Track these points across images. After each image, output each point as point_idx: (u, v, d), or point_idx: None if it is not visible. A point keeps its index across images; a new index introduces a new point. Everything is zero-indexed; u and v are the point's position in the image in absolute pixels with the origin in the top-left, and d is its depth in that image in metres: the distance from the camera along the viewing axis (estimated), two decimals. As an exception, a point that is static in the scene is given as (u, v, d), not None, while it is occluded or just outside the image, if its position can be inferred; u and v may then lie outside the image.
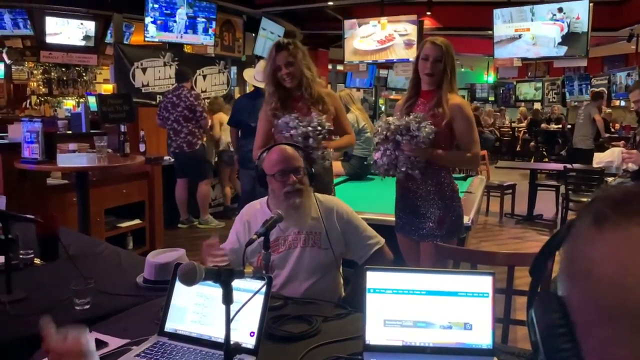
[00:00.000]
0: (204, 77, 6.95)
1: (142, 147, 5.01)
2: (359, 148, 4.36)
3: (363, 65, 7.42)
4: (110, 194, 4.22)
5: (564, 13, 5.95)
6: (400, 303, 1.37)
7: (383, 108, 15.28)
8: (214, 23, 7.18)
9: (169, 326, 1.42)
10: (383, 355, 1.34)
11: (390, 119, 2.34)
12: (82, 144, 4.48)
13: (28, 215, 1.95)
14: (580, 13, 5.86)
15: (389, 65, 9.09)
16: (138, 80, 6.15)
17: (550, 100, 13.32)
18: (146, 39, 6.68)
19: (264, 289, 1.32)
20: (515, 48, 6.40)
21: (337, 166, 4.06)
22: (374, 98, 14.75)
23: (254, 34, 8.45)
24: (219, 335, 1.32)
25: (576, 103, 11.82)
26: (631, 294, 0.45)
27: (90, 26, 8.76)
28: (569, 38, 5.97)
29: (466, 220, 2.64)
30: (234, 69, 8.56)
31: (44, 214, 2.11)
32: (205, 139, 5.76)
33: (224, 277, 1.09)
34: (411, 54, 6.57)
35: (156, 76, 6.30)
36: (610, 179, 4.73)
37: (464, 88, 16.67)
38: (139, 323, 1.51)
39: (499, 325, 1.81)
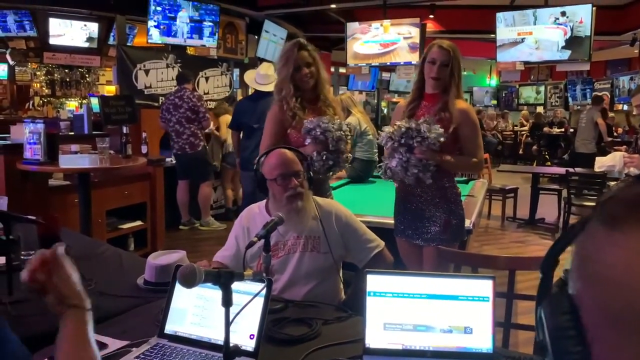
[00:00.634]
0: (207, 79, 6.96)
1: (144, 149, 5.02)
2: (361, 151, 4.36)
3: (365, 68, 7.42)
4: (112, 195, 4.22)
5: (567, 17, 5.95)
6: (400, 306, 1.36)
7: (385, 111, 15.28)
8: (217, 26, 7.21)
9: (169, 328, 1.41)
10: (383, 358, 1.33)
11: (399, 122, 2.32)
12: (84, 145, 4.49)
13: (29, 216, 1.96)
14: (583, 17, 5.85)
15: (391, 68, 9.08)
16: (141, 82, 6.16)
17: (553, 104, 13.31)
18: (149, 41, 6.70)
19: (264, 292, 1.32)
20: (517, 52, 6.39)
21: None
22: (376, 101, 14.74)
23: (256, 37, 8.47)
24: (218, 337, 1.32)
25: (579, 107, 11.80)
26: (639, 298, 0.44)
27: (93, 28, 8.79)
28: (572, 42, 5.96)
29: (468, 223, 2.63)
30: (236, 71, 8.58)
31: (46, 215, 2.11)
32: (206, 142, 5.76)
33: (223, 280, 1.09)
34: (415, 58, 6.57)
35: (159, 78, 6.31)
36: (612, 184, 4.72)
37: (466, 92, 16.67)
38: (139, 325, 1.51)
39: (500, 329, 1.80)
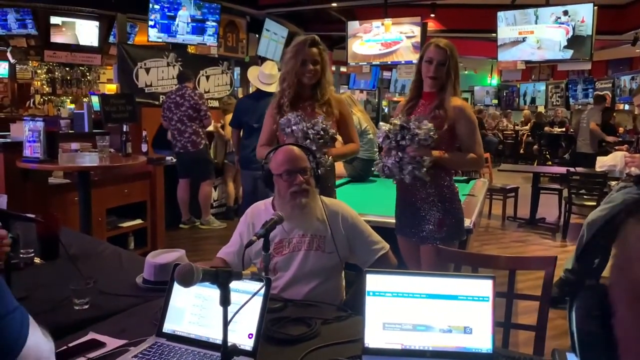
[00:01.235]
0: (207, 77, 6.96)
1: (144, 147, 5.01)
2: (361, 150, 4.32)
3: (366, 67, 7.41)
4: (112, 193, 4.22)
5: (569, 16, 5.94)
6: (399, 306, 1.36)
7: (386, 110, 15.27)
8: (218, 25, 7.20)
9: (167, 327, 1.41)
10: (382, 358, 1.33)
11: (393, 120, 2.32)
12: (84, 144, 4.49)
13: (29, 215, 1.95)
14: (585, 16, 5.84)
15: (392, 67, 9.08)
16: (141, 80, 6.15)
17: (554, 103, 13.29)
18: (149, 40, 6.69)
19: (262, 291, 1.32)
20: (519, 51, 6.38)
21: (340, 168, 4.06)
22: (377, 100, 14.74)
23: (257, 35, 8.46)
24: (217, 336, 1.31)
25: (580, 107, 11.79)
26: None
27: (94, 26, 8.79)
28: (574, 41, 5.95)
29: (468, 223, 2.63)
30: (237, 70, 8.57)
31: (45, 213, 2.11)
32: (208, 140, 5.76)
33: (221, 279, 1.08)
34: (417, 57, 6.55)
35: (159, 76, 6.31)
36: (613, 183, 4.71)
37: (467, 91, 16.66)
38: (138, 324, 1.50)
39: (500, 329, 1.80)
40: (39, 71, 9.57)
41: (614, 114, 10.37)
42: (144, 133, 5.14)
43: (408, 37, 6.94)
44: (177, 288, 1.42)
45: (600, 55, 10.37)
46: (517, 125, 14.14)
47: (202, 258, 4.30)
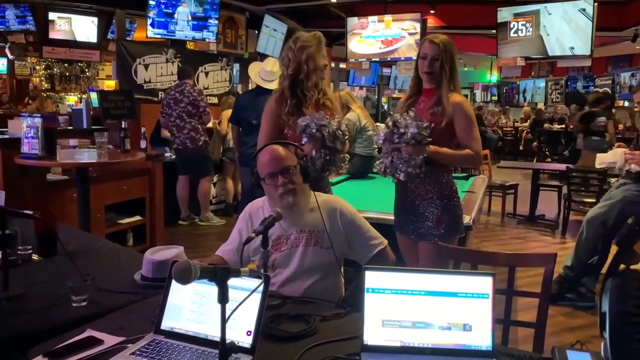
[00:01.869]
0: (206, 74, 6.94)
1: (143, 144, 5.00)
2: (361, 147, 4.34)
3: (366, 63, 7.40)
4: (110, 190, 4.21)
5: (569, 13, 5.96)
6: (399, 303, 1.35)
7: (386, 107, 15.26)
8: (217, 21, 7.19)
9: (165, 324, 1.40)
10: (381, 355, 1.32)
11: (387, 120, 2.32)
12: (83, 140, 4.47)
13: (26, 211, 1.94)
14: (585, 12, 5.86)
15: (392, 63, 9.07)
16: (140, 77, 6.14)
17: (554, 100, 13.28)
18: (148, 36, 6.68)
19: (261, 288, 1.31)
20: (518, 47, 6.39)
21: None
22: (376, 96, 14.72)
23: (256, 32, 8.44)
24: (215, 333, 1.30)
25: (579, 103, 11.76)
26: None
27: (93, 22, 8.77)
28: (577, 36, 5.99)
29: (467, 220, 2.62)
30: (236, 66, 8.55)
31: (43, 210, 2.10)
32: (207, 136, 5.75)
33: (219, 276, 1.07)
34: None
35: (158, 73, 6.30)
36: (613, 180, 4.70)
37: (467, 87, 16.65)
38: (136, 321, 1.49)
39: (499, 326, 1.79)
40: (37, 67, 9.54)
41: (613, 111, 10.35)
42: (143, 129, 5.12)
43: (410, 34, 6.94)
44: (175, 285, 1.42)
45: (600, 52, 10.35)
46: (517, 122, 14.13)
47: (201, 255, 4.30)
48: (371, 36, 7.17)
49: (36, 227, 2.06)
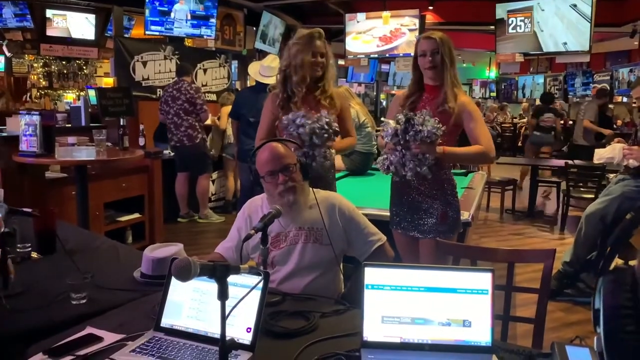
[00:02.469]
0: (205, 71, 6.92)
1: (141, 141, 5.00)
2: (360, 143, 4.33)
3: (364, 59, 7.39)
4: (109, 187, 4.21)
5: (561, 9, 6.02)
6: (398, 299, 1.35)
7: (384, 103, 15.24)
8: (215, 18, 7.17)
9: (165, 321, 1.41)
10: (381, 352, 1.32)
11: (399, 116, 2.29)
12: (81, 138, 4.47)
13: (25, 209, 1.94)
14: (582, 8, 5.88)
15: (391, 59, 9.06)
16: (138, 74, 6.12)
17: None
18: (146, 33, 6.66)
19: (261, 285, 1.31)
20: (515, 43, 6.41)
21: (338, 161, 4.04)
22: (375, 93, 14.71)
23: (255, 28, 8.42)
24: (215, 330, 1.31)
25: (578, 99, 11.78)
26: None
27: (90, 19, 8.73)
28: (570, 32, 6.02)
29: (466, 216, 2.63)
30: (234, 63, 8.52)
31: (42, 207, 2.10)
32: (205, 133, 5.74)
33: (219, 273, 1.07)
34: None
35: (156, 70, 6.28)
36: (611, 175, 4.71)
37: (465, 84, 16.64)
38: (136, 318, 1.50)
39: (499, 322, 1.80)
40: (35, 65, 9.50)
41: (612, 107, 10.36)
42: (142, 127, 5.11)
43: (410, 30, 6.94)
44: (175, 282, 1.42)
45: (598, 48, 10.33)
46: (516, 118, 14.12)
47: (200, 252, 4.30)
48: (370, 34, 7.17)
49: (35, 225, 2.06)
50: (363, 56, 7.30)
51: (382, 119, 2.41)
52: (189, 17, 6.83)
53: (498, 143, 12.76)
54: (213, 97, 6.89)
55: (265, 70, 4.39)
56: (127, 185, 4.38)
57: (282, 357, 1.30)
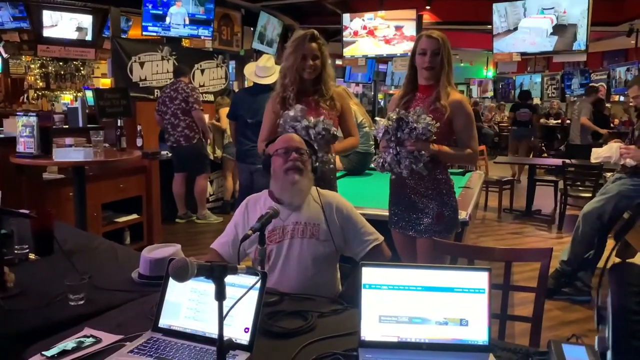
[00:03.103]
0: (202, 71, 6.92)
1: (139, 142, 4.99)
2: (357, 143, 4.34)
3: (362, 59, 7.39)
4: (107, 188, 4.21)
5: (553, 8, 6.11)
6: (395, 299, 1.36)
7: (382, 103, 15.25)
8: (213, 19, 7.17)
9: (163, 322, 1.41)
10: (378, 351, 1.33)
11: (391, 115, 2.31)
12: (78, 139, 4.46)
13: (22, 211, 1.94)
14: (566, 8, 5.97)
15: (388, 59, 9.07)
16: (136, 75, 6.12)
17: (550, 95, 13.30)
18: (144, 34, 6.65)
19: (258, 285, 1.31)
20: (513, 40, 6.45)
21: (336, 161, 4.04)
22: (372, 93, 14.71)
23: (252, 29, 8.41)
24: (213, 331, 1.30)
25: (575, 98, 11.80)
26: None
27: (87, 20, 8.72)
28: (558, 29, 6.09)
29: (464, 215, 2.63)
30: (232, 64, 8.51)
31: (40, 209, 2.09)
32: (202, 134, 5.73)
33: (216, 273, 1.08)
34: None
35: (154, 70, 6.27)
36: (608, 175, 4.72)
37: (463, 83, 16.65)
38: (134, 319, 1.50)
39: (496, 321, 1.80)
40: (32, 66, 9.48)
41: (608, 106, 10.39)
42: (139, 127, 5.11)
43: (406, 30, 6.95)
44: (172, 283, 1.42)
45: (595, 47, 10.37)
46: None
47: (198, 252, 4.30)
48: (369, 35, 7.18)
49: (32, 226, 2.05)
50: (361, 56, 7.31)
51: (376, 118, 2.41)
52: (187, 22, 6.81)
53: (495, 142, 12.80)
54: (210, 97, 6.88)
55: (261, 70, 4.39)
56: (124, 186, 4.38)
57: (280, 357, 1.31)
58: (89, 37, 8.86)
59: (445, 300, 1.35)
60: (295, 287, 1.85)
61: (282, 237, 1.93)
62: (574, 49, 6.08)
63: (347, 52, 7.39)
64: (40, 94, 9.57)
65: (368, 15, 7.15)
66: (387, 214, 2.54)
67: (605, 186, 3.83)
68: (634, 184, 3.52)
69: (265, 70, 4.36)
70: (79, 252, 2.08)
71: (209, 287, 1.14)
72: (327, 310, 1.57)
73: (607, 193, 3.64)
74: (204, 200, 5.85)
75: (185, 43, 7.17)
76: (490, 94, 16.01)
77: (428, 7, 8.72)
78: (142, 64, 6.17)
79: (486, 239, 5.41)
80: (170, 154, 5.53)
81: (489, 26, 6.73)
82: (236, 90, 7.83)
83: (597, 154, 3.76)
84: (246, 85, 7.74)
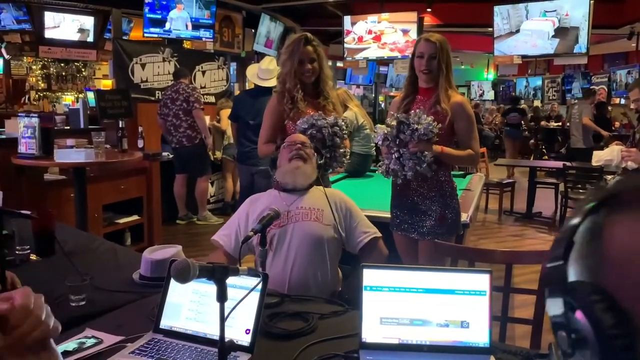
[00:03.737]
0: (203, 73, 6.93)
1: (140, 143, 5.00)
2: (358, 145, 4.34)
3: (363, 61, 7.40)
4: (108, 189, 4.21)
5: (555, 11, 6.13)
6: (397, 301, 1.36)
7: (383, 105, 15.25)
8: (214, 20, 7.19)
9: (164, 323, 1.41)
10: (379, 353, 1.33)
11: (389, 120, 2.31)
12: (80, 140, 4.47)
13: (23, 211, 1.94)
14: (569, 11, 5.97)
15: (389, 61, 9.08)
16: (137, 76, 6.12)
17: (550, 97, 13.30)
18: (145, 35, 6.66)
19: (259, 286, 1.31)
20: (514, 42, 6.45)
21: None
22: (373, 95, 14.71)
23: (253, 30, 8.42)
24: (214, 332, 1.31)
25: (575, 101, 11.80)
26: None
27: (89, 21, 8.73)
28: (560, 32, 6.10)
29: (465, 217, 2.63)
30: (233, 65, 8.51)
31: (41, 209, 2.10)
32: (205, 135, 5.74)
33: (218, 275, 1.08)
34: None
35: (155, 72, 6.28)
36: (609, 177, 4.72)
37: (463, 85, 16.66)
38: (135, 320, 1.50)
39: (497, 323, 1.80)
40: (34, 67, 9.49)
41: (610, 108, 10.39)
42: (140, 129, 5.12)
43: (407, 32, 6.97)
44: (173, 284, 1.42)
45: (596, 50, 10.37)
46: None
47: (199, 254, 4.30)
48: (369, 37, 7.19)
49: (34, 227, 2.05)
50: (362, 58, 7.32)
51: (377, 125, 2.43)
52: (189, 28, 6.82)
53: (496, 145, 12.79)
54: (212, 99, 6.89)
55: (263, 73, 4.39)
56: (125, 187, 4.38)
57: (281, 358, 1.31)
58: (90, 39, 8.86)
59: (446, 303, 1.35)
60: (297, 273, 1.86)
61: (286, 222, 1.95)
62: (575, 51, 6.09)
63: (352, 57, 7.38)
64: (41, 95, 9.57)
65: (371, 17, 7.15)
66: (388, 215, 2.54)
67: (606, 189, 3.82)
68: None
69: (267, 72, 4.37)
70: (79, 253, 2.08)
71: (210, 288, 1.14)
72: (328, 312, 1.57)
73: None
74: (204, 202, 5.85)
75: (187, 44, 7.18)
76: (490, 95, 16.03)
77: (429, 10, 8.73)
78: (143, 66, 6.17)
79: (486, 241, 5.41)
80: (170, 155, 5.54)
81: (490, 29, 6.74)
82: (237, 92, 7.84)
83: (599, 157, 3.75)
84: (247, 87, 7.75)
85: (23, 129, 3.46)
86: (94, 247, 2.24)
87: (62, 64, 9.61)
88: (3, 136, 4.32)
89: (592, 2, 5.90)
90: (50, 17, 8.44)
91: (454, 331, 1.34)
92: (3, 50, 8.83)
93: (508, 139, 10.57)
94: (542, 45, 6.27)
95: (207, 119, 5.78)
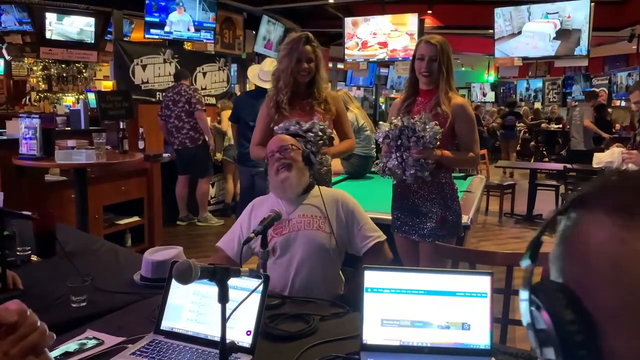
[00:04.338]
0: (204, 74, 6.93)
1: (141, 144, 5.00)
2: (359, 147, 4.34)
3: (364, 63, 7.40)
4: (108, 190, 4.21)
5: (557, 13, 6.13)
6: (398, 303, 1.36)
7: (383, 107, 15.27)
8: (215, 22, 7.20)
9: (165, 324, 1.41)
10: (380, 354, 1.33)
11: (394, 120, 2.31)
12: (81, 141, 4.47)
13: (24, 212, 1.94)
14: (571, 13, 5.98)
15: (390, 63, 9.08)
16: (138, 77, 6.13)
17: (551, 99, 13.30)
18: (146, 37, 6.67)
19: (260, 288, 1.31)
20: (515, 43, 6.46)
21: (337, 164, 4.05)
22: (374, 97, 14.73)
23: (254, 32, 8.43)
24: (215, 333, 1.31)
25: (576, 103, 11.81)
26: None
27: (90, 23, 8.74)
28: (561, 34, 6.11)
29: (465, 219, 2.63)
30: (234, 67, 8.52)
31: (42, 210, 2.10)
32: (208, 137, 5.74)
33: (219, 276, 1.08)
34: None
35: (156, 73, 6.28)
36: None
37: (464, 87, 16.67)
38: (135, 321, 1.50)
39: (498, 325, 1.80)
40: (34, 68, 9.50)
41: (610, 111, 10.38)
42: (141, 130, 5.12)
43: (408, 34, 6.96)
44: (175, 285, 1.42)
45: (597, 52, 10.37)
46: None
47: (199, 255, 4.30)
48: (370, 38, 7.19)
49: (34, 228, 2.06)
50: (362, 60, 7.32)
51: (380, 123, 2.41)
52: (191, 30, 6.82)
53: (496, 146, 12.80)
54: (212, 100, 6.89)
55: (264, 74, 4.40)
56: (126, 188, 4.38)
57: (282, 360, 1.31)
58: (91, 40, 8.87)
59: (448, 304, 1.35)
60: (299, 282, 1.85)
61: (288, 230, 1.95)
62: (575, 53, 6.09)
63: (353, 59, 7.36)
64: (42, 96, 9.58)
65: (374, 19, 7.14)
66: (389, 217, 2.54)
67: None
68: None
69: (268, 74, 4.36)
70: (80, 254, 2.08)
71: (211, 289, 1.14)
72: (328, 314, 1.57)
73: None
74: (205, 203, 5.85)
75: (188, 46, 7.19)
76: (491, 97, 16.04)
77: (430, 12, 8.74)
78: (144, 67, 6.18)
79: (487, 243, 5.40)
80: (172, 156, 5.54)
81: (491, 30, 6.74)
82: (238, 93, 7.84)
83: (599, 159, 3.75)
84: (248, 89, 7.76)
85: (24, 130, 3.47)
86: (95, 248, 2.25)
87: (63, 65, 9.62)
88: (4, 137, 4.32)
89: (592, 4, 5.90)
90: (51, 19, 8.45)
91: (454, 333, 1.34)
92: (4, 51, 8.84)
93: (503, 140, 11.20)
94: (543, 47, 6.27)
95: (208, 120, 5.78)
